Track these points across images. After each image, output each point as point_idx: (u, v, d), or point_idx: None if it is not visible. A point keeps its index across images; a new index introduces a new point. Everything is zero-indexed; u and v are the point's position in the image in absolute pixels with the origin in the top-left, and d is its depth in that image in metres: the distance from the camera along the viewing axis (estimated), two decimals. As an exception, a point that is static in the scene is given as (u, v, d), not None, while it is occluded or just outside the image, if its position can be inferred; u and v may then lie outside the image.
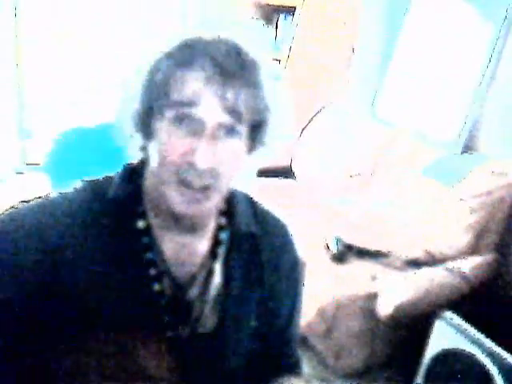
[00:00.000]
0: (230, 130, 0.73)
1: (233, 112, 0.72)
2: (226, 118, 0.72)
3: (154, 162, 0.76)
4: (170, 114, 0.72)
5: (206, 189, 0.74)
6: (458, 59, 2.69)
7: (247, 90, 0.72)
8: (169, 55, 0.72)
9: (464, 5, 2.69)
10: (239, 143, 0.75)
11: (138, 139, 0.78)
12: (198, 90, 0.70)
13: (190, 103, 0.71)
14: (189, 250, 0.83)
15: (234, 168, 0.76)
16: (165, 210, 0.78)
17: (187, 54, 0.71)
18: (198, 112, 0.71)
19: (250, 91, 0.72)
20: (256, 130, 0.77)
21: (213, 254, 0.85)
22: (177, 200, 0.74)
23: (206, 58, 0.70)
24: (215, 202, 0.78)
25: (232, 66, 0.71)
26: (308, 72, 3.24)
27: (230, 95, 0.71)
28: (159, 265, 0.81)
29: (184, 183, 0.73)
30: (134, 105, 0.75)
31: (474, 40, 2.60)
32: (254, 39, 0.75)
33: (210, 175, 0.73)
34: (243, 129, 0.74)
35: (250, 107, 0.73)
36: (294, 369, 0.96)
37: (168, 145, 0.73)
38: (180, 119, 0.72)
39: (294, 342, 0.97)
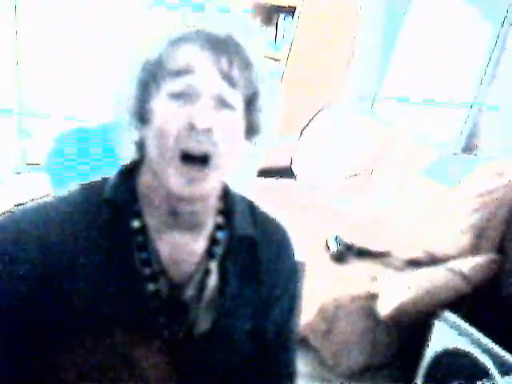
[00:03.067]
0: (227, 101, 0.74)
1: (228, 78, 0.74)
2: (222, 85, 0.74)
3: (151, 148, 0.76)
4: (166, 86, 0.74)
5: (204, 163, 0.74)
6: (458, 59, 2.69)
7: (240, 60, 0.75)
8: (163, 38, 0.76)
9: (464, 5, 2.69)
10: (236, 115, 0.76)
11: (134, 131, 0.79)
12: (193, 58, 0.73)
13: (186, 71, 0.73)
14: (185, 249, 0.83)
15: (233, 141, 0.77)
16: (161, 206, 0.78)
17: (181, 33, 0.75)
18: (193, 80, 0.73)
19: (243, 61, 0.75)
20: (251, 105, 0.78)
21: (209, 254, 0.85)
22: (176, 181, 0.74)
23: (199, 33, 0.75)
24: (213, 183, 0.77)
25: (224, 38, 0.75)
26: (308, 72, 3.24)
27: (223, 61, 0.73)
28: (154, 265, 0.80)
29: (183, 155, 0.73)
30: (130, 91, 0.77)
31: (474, 40, 2.60)
32: (248, 32, 0.79)
33: (209, 140, 0.73)
34: (239, 99, 0.76)
35: (243, 76, 0.75)
36: (288, 379, 0.95)
37: (166, 119, 0.73)
38: (177, 92, 0.73)
39: (292, 348, 0.96)
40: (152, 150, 0.76)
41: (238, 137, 0.78)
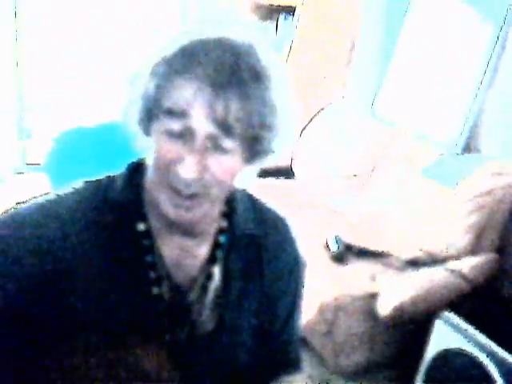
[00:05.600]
0: (219, 145, 0.71)
1: (222, 124, 0.70)
2: (217, 132, 0.70)
3: (150, 162, 0.76)
4: (162, 122, 0.71)
5: (194, 196, 0.73)
6: (458, 59, 2.69)
7: (240, 104, 0.69)
8: (166, 60, 0.71)
9: (464, 5, 2.69)
10: (230, 159, 0.73)
11: (140, 137, 0.78)
12: (189, 99, 0.69)
13: (181, 113, 0.70)
14: (189, 253, 0.83)
15: (226, 180, 0.75)
16: (162, 214, 0.78)
17: (182, 61, 0.70)
18: (188, 123, 0.70)
19: (244, 105, 0.70)
20: (252, 144, 0.74)
21: (212, 258, 0.85)
22: (167, 205, 0.74)
23: (200, 67, 0.68)
24: (206, 208, 0.76)
25: (225, 77, 0.68)
26: (308, 72, 3.24)
27: (219, 107, 0.69)
28: (159, 268, 0.80)
29: (172, 189, 0.73)
30: (137, 104, 0.75)
31: (474, 40, 2.60)
32: (256, 38, 0.74)
33: (198, 185, 0.72)
34: (235, 144, 0.72)
35: (242, 121, 0.70)
36: (294, 368, 0.96)
37: (159, 149, 0.72)
38: (171, 130, 0.71)
39: (295, 341, 0.97)
40: (150, 164, 0.76)
41: (233, 175, 0.76)
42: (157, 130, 0.72)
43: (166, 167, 0.72)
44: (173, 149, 0.71)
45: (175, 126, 0.70)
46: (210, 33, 0.71)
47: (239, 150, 0.73)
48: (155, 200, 0.76)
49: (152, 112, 0.73)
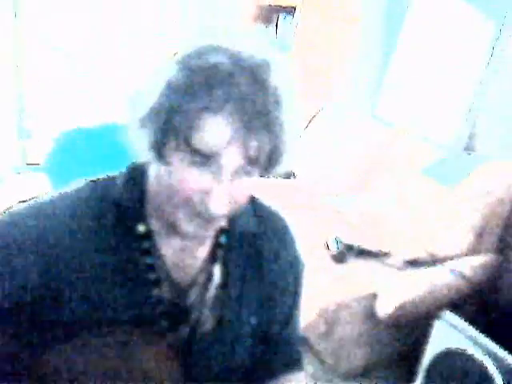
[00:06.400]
0: (244, 172, 0.71)
1: (253, 160, 0.70)
2: (245, 166, 0.70)
3: (162, 182, 0.75)
4: (186, 153, 0.69)
5: (215, 217, 0.74)
6: (459, 59, 2.69)
7: (268, 136, 0.69)
8: (187, 91, 0.66)
9: (464, 5, 2.69)
10: (250, 180, 0.73)
11: (145, 155, 0.74)
12: (222, 143, 0.67)
13: (212, 154, 0.68)
14: (189, 254, 0.83)
15: (246, 200, 0.76)
16: (167, 219, 0.77)
17: (206, 93, 0.65)
18: (217, 159, 0.69)
19: (270, 136, 0.69)
20: (269, 163, 0.75)
21: (213, 258, 0.85)
22: (185, 223, 0.74)
23: (229, 103, 0.65)
24: (221, 223, 0.79)
25: (255, 113, 0.66)
26: (308, 72, 3.24)
27: (253, 147, 0.68)
28: (159, 269, 0.80)
29: (194, 212, 0.73)
30: (150, 131, 0.70)
31: (475, 40, 2.60)
32: (268, 50, 0.71)
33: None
34: (257, 168, 0.72)
35: (268, 150, 0.70)
36: (294, 367, 0.96)
37: (181, 178, 0.70)
38: (197, 162, 0.69)
39: (296, 339, 0.97)
40: (163, 183, 0.74)
41: (251, 189, 0.76)
42: (177, 159, 0.70)
43: (189, 196, 0.71)
44: (198, 180, 0.70)
45: (203, 160, 0.69)
46: (223, 52, 0.67)
47: (258, 171, 0.74)
48: (167, 214, 0.76)
49: (172, 143, 0.70)
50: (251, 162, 0.70)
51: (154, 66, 0.72)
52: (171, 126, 0.68)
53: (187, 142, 0.67)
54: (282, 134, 0.71)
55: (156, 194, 0.79)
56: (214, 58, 0.66)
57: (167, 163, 0.71)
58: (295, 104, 0.72)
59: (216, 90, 0.65)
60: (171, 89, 0.67)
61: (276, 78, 0.69)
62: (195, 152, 0.68)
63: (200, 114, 0.66)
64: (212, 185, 0.70)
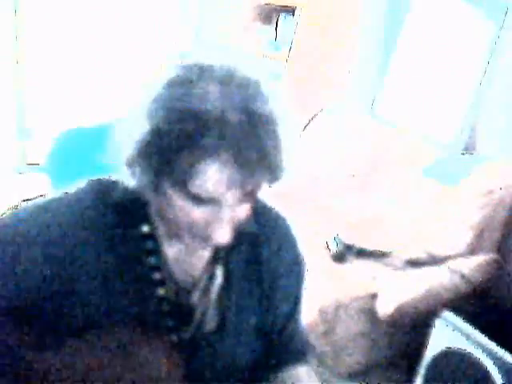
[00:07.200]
0: (247, 200, 0.72)
1: (252, 194, 0.71)
2: (246, 200, 0.71)
3: (163, 210, 0.75)
4: (186, 197, 0.69)
5: None
6: (458, 59, 2.69)
7: (265, 170, 0.67)
8: (179, 138, 0.63)
9: (464, 5, 2.69)
10: (252, 199, 0.74)
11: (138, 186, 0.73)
12: (219, 190, 0.66)
13: (210, 199, 0.68)
14: (193, 254, 0.84)
15: (247, 213, 0.76)
16: (170, 226, 0.79)
17: (202, 143, 0.63)
18: (216, 200, 0.69)
19: (267, 168, 0.68)
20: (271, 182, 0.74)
21: (215, 258, 0.86)
22: (188, 239, 0.76)
23: (226, 147, 0.63)
24: None
25: (253, 153, 0.64)
26: (308, 72, 3.24)
27: (250, 186, 0.68)
28: (163, 269, 0.81)
29: (198, 236, 0.74)
30: (146, 168, 0.68)
31: (474, 40, 2.60)
32: (259, 71, 0.70)
33: None
34: (259, 191, 0.73)
35: (268, 178, 0.70)
36: (298, 360, 0.97)
37: (181, 214, 0.71)
38: (198, 203, 0.69)
39: (299, 334, 0.97)
40: (163, 213, 0.75)
41: (251, 208, 0.77)
42: (175, 195, 0.69)
43: (192, 224, 0.72)
44: (198, 214, 0.70)
45: (201, 202, 0.69)
46: (212, 78, 0.65)
47: (259, 190, 0.73)
48: (171, 225, 0.77)
49: (166, 182, 0.68)
50: (252, 192, 0.71)
51: (137, 103, 0.67)
52: (164, 169, 0.66)
53: (184, 186, 0.67)
54: (281, 161, 0.69)
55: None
56: (202, 89, 0.64)
57: (164, 195, 0.70)
58: (291, 124, 0.71)
59: (208, 136, 0.63)
60: (159, 135, 0.64)
61: (268, 105, 0.67)
62: (194, 196, 0.68)
63: (195, 161, 0.64)
64: (213, 217, 0.70)
